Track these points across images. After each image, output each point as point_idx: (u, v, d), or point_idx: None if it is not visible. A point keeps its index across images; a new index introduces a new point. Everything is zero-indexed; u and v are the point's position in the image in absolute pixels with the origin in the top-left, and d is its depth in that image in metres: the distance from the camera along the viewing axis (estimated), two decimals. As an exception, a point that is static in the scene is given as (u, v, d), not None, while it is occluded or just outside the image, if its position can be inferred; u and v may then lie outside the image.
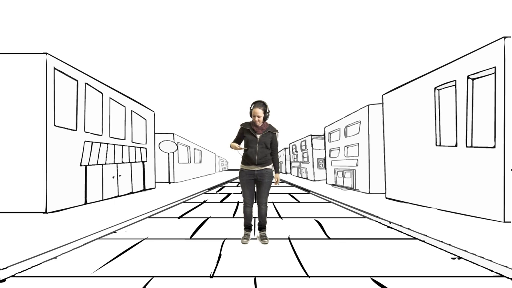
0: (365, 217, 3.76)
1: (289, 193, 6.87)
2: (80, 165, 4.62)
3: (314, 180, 11.20)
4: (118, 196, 5.67)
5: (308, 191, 7.26)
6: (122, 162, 5.87)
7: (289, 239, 2.70)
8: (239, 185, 8.97)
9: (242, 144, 2.69)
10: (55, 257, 2.19)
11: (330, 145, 9.41)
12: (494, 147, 3.31)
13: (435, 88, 4.24)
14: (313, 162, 11.46)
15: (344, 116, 8.16)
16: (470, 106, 3.65)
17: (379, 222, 3.39)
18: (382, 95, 5.73)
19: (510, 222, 3.16)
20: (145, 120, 7.25)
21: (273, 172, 2.69)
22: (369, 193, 6.48)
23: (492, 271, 1.91)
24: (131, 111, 6.50)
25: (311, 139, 11.60)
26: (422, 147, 4.53)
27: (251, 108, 2.56)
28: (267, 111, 2.57)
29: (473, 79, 3.61)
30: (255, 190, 2.67)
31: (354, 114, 7.41)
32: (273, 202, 5.19)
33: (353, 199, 5.18)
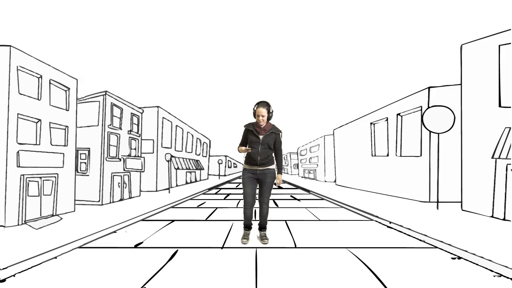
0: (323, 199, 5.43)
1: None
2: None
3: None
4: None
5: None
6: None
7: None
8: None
9: (244, 159, 2.87)
10: (55, 257, 2.28)
11: (301, 157, 17.34)
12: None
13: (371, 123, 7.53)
14: (291, 165, 18.48)
15: (308, 142, 15.82)
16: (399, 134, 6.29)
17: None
18: (333, 130, 9.61)
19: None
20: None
21: (276, 172, 2.80)
22: (325, 181, 12.07)
23: (492, 271, 2.00)
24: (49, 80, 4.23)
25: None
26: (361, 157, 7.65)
27: (255, 108, 2.70)
28: (271, 111, 2.71)
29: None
30: (257, 190, 2.81)
31: (315, 141, 14.54)
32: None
33: (315, 185, 7.67)
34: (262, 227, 2.83)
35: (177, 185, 10.22)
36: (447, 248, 2.43)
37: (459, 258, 2.30)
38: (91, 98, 5.39)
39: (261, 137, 2.70)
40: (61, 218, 3.82)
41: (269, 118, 2.74)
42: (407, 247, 2.59)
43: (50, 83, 4.07)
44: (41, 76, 3.89)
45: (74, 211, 4.50)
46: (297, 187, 9.49)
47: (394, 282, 1.81)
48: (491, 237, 2.79)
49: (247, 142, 2.77)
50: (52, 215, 4.03)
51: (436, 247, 2.53)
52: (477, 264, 2.13)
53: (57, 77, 4.29)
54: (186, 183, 11.56)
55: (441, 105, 4.42)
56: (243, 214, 2.80)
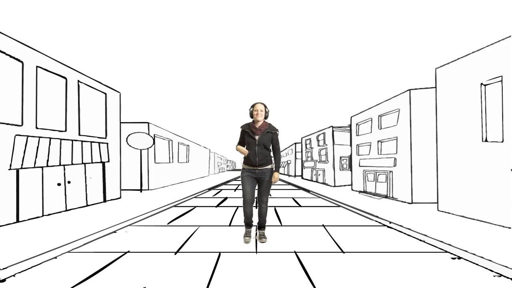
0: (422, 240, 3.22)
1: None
2: (10, 169, 4.10)
3: (335, 186, 10.64)
4: (66, 210, 5.16)
5: (337, 204, 6.70)
6: (72, 164, 5.33)
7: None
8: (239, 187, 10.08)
9: (242, 159, 3.26)
10: (55, 257, 2.62)
11: (357, 140, 8.92)
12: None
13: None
14: (333, 161, 10.87)
15: (377, 104, 7.81)
16: None
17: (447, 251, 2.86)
18: (436, 69, 5.21)
19: None
20: (105, 103, 6.68)
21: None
22: (412, 202, 6.10)
23: (492, 271, 2.25)
24: (78, 85, 5.91)
25: (333, 131, 10.98)
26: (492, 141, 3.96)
27: (252, 106, 3.17)
28: (267, 110, 3.19)
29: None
30: (256, 189, 3.22)
31: (391, 100, 7.05)
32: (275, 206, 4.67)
33: (392, 212, 4.62)
34: (261, 226, 3.26)
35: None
36: None
37: (459, 258, 2.58)
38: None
39: (257, 137, 3.09)
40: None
41: (266, 116, 3.20)
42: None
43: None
44: None
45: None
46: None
47: (394, 282, 2.11)
48: None
49: (244, 142, 3.21)
50: None
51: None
52: (477, 264, 2.40)
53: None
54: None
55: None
56: (243, 212, 3.19)
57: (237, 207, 5.66)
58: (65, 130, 5.27)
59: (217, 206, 5.96)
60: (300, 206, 5.99)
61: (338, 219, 4.55)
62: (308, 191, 9.24)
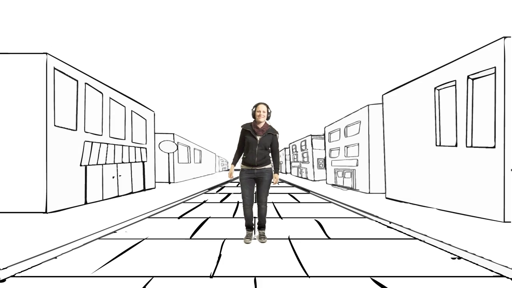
0: (365, 217, 3.75)
1: (289, 193, 6.85)
2: (80, 165, 4.62)
3: (314, 180, 11.20)
4: (118, 196, 5.67)
5: (308, 191, 7.25)
6: (122, 162, 5.87)
7: (289, 239, 2.70)
8: (239, 185, 9.27)
9: (241, 160, 2.79)
10: (55, 257, 2.20)
11: (330, 145, 9.41)
12: (494, 147, 3.32)
13: (435, 88, 4.24)
14: (313, 162, 11.45)
15: (344, 116, 8.17)
16: (470, 106, 3.66)
17: (379, 222, 3.38)
18: (382, 95, 5.71)
19: (510, 222, 3.15)
20: (145, 120, 7.25)
21: (273, 172, 2.73)
22: (369, 193, 6.49)
23: (492, 271, 1.93)
24: (131, 111, 6.51)
25: (311, 139, 11.60)
26: (422, 147, 4.51)
27: (254, 106, 2.66)
28: (269, 111, 2.69)
29: (473, 79, 3.63)
30: (255, 190, 2.72)
31: (354, 114, 7.41)
32: (273, 202, 5.18)
33: (354, 199, 5.17)
34: (261, 226, 2.74)
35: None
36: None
37: (459, 258, 2.21)
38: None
39: (258, 137, 2.64)
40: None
41: (268, 117, 2.70)
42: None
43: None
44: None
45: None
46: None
47: (394, 282, 1.76)
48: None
49: (244, 142, 2.70)
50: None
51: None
52: (477, 264, 2.06)
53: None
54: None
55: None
56: (244, 214, 2.71)
57: (238, 202, 5.29)
58: (124, 139, 5.93)
59: (221, 201, 5.61)
60: (298, 202, 6.45)
61: (324, 211, 4.36)
62: (296, 186, 9.72)
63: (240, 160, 2.79)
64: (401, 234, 2.84)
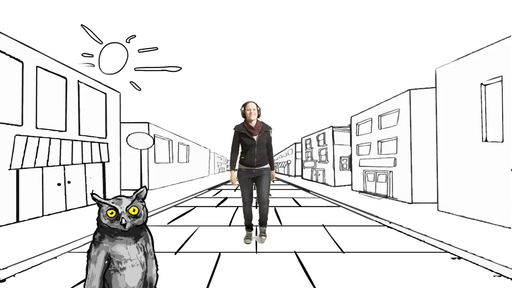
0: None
1: (293, 198, 6.33)
2: (10, 169, 4.11)
3: (335, 186, 10.65)
4: (66, 210, 5.16)
5: (338, 205, 6.69)
6: (72, 164, 5.34)
7: (295, 252, 2.84)
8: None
9: (238, 159, 3.20)
10: (55, 257, 2.63)
11: (358, 140, 8.97)
12: None
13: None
14: (334, 161, 10.87)
15: (376, 104, 7.81)
16: None
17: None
18: (436, 69, 5.19)
19: None
20: (105, 104, 6.69)
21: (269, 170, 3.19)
22: (412, 203, 6.11)
23: (492, 271, 2.26)
24: (78, 81, 5.93)
25: (332, 131, 10.99)
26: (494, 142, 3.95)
27: (243, 106, 3.07)
28: (259, 108, 3.09)
29: None
30: (255, 189, 3.17)
31: (391, 100, 7.07)
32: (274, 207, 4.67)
33: (392, 212, 4.61)
34: (262, 223, 3.20)
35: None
36: None
37: (459, 258, 2.58)
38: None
39: (255, 137, 3.02)
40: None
41: (258, 115, 3.10)
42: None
43: None
44: None
45: None
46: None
47: (394, 282, 2.12)
48: None
49: (239, 145, 3.11)
50: None
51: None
52: (477, 264, 2.40)
53: None
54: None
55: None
56: (243, 212, 3.18)
57: (237, 207, 5.65)
58: (65, 130, 5.28)
59: (217, 206, 5.96)
60: (300, 206, 5.99)
61: (338, 219, 4.55)
62: (308, 191, 9.24)
63: (238, 160, 3.18)
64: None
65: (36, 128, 4.63)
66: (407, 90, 6.29)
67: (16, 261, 2.31)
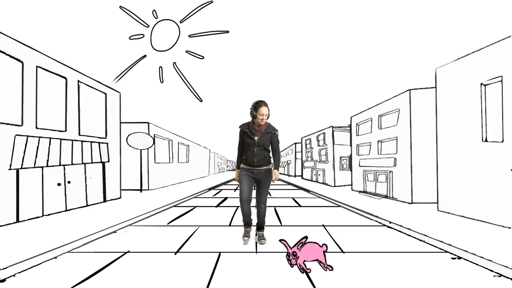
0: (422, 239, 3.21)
1: (293, 199, 6.33)
2: (10, 169, 4.10)
3: (335, 186, 10.64)
4: (66, 210, 5.16)
5: (338, 205, 6.70)
6: (72, 164, 5.34)
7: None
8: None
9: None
10: (55, 257, 2.64)
11: (358, 140, 8.96)
12: None
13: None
14: (334, 161, 10.87)
15: (376, 104, 7.81)
16: None
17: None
18: (436, 69, 5.19)
19: None
20: (105, 103, 6.69)
21: (272, 172, 3.10)
22: (412, 203, 6.12)
23: (492, 271, 2.28)
24: (78, 81, 5.93)
25: (333, 131, 10.99)
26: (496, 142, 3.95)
27: (255, 108, 2.94)
28: (269, 113, 3.03)
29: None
30: (254, 189, 3.20)
31: (391, 100, 7.07)
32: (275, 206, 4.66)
33: (392, 212, 4.62)
34: (260, 227, 3.24)
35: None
36: None
37: (459, 258, 2.61)
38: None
39: (256, 138, 3.03)
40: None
41: (267, 117, 3.03)
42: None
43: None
44: None
45: None
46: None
47: (394, 282, 2.16)
48: None
49: (243, 143, 3.15)
50: None
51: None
52: (477, 264, 2.43)
53: None
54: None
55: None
56: (241, 211, 3.19)
57: (237, 207, 5.64)
58: (65, 130, 5.27)
59: (217, 206, 5.96)
60: (300, 206, 5.99)
61: (338, 219, 4.55)
62: (308, 191, 9.24)
63: (240, 160, 3.24)
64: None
65: (36, 128, 4.63)
66: (407, 90, 6.29)
67: (16, 261, 2.31)
